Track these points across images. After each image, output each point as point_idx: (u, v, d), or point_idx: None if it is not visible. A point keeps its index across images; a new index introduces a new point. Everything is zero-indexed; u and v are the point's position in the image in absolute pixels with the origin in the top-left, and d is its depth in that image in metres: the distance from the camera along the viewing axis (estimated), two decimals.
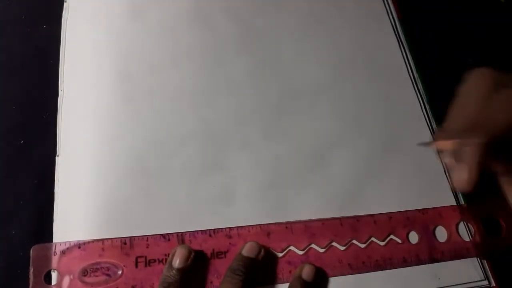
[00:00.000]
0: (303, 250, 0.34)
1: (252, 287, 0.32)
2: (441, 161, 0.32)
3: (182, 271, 0.31)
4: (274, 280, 0.33)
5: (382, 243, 0.35)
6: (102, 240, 0.33)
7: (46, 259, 0.31)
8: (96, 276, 0.31)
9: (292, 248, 0.34)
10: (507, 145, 0.25)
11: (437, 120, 0.41)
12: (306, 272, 0.33)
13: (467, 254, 0.35)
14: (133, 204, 0.35)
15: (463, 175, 0.26)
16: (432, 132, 0.40)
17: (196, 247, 0.33)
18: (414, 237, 0.36)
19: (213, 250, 0.33)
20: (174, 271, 0.31)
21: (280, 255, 0.34)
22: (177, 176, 0.36)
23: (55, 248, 0.32)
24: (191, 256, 0.32)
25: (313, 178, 0.37)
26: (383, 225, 0.36)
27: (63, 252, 0.32)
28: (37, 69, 0.40)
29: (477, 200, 0.37)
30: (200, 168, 0.37)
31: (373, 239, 0.35)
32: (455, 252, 0.35)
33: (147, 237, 0.33)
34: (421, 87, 0.42)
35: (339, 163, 0.38)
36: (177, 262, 0.31)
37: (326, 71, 0.42)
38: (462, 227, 0.37)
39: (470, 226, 0.37)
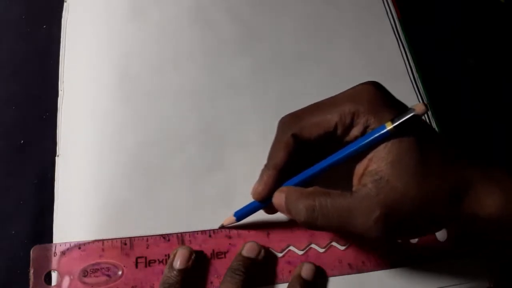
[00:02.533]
0: (303, 250, 0.34)
1: (252, 287, 0.32)
2: None
3: (183, 272, 0.31)
4: (274, 280, 0.33)
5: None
6: (102, 240, 0.33)
7: (46, 259, 0.31)
8: (96, 276, 0.31)
9: (292, 248, 0.34)
10: None
11: (437, 120, 0.41)
12: (306, 271, 0.33)
13: (467, 253, 0.35)
14: (133, 204, 0.35)
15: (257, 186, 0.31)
16: None
17: (196, 247, 0.33)
18: None
19: (213, 250, 0.33)
20: (175, 272, 0.31)
21: (280, 255, 0.34)
22: (177, 176, 0.36)
23: (55, 249, 0.32)
24: (192, 257, 0.32)
25: None
26: None
27: (63, 253, 0.32)
28: (37, 69, 0.40)
29: None
30: (200, 168, 0.37)
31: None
32: (455, 251, 0.35)
33: (147, 238, 0.33)
34: (421, 87, 0.42)
35: None
36: (178, 263, 0.31)
37: (326, 72, 0.42)
38: None
39: None
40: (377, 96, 0.28)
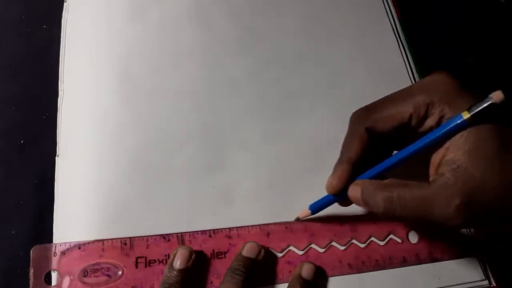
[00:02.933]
0: (302, 250, 0.34)
1: (252, 287, 0.32)
2: None
3: (183, 272, 0.31)
4: (274, 280, 0.33)
5: (382, 243, 0.35)
6: (102, 240, 0.33)
7: (46, 259, 0.31)
8: (96, 276, 0.31)
9: (291, 248, 0.34)
10: None
11: None
12: (306, 271, 0.33)
13: (467, 253, 0.35)
14: (133, 204, 0.35)
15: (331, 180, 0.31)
16: None
17: (196, 247, 0.33)
18: (414, 237, 0.36)
19: (213, 250, 0.33)
20: (175, 272, 0.31)
21: (280, 255, 0.34)
22: (177, 176, 0.36)
23: (55, 249, 0.32)
24: (192, 257, 0.32)
25: (312, 178, 0.37)
26: (383, 224, 0.36)
27: (63, 253, 0.32)
28: (37, 69, 0.40)
29: None
30: (200, 168, 0.37)
31: (373, 238, 0.35)
32: (455, 251, 0.35)
33: (147, 238, 0.33)
34: None
35: None
36: (178, 263, 0.31)
37: (326, 71, 0.42)
38: None
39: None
40: (451, 86, 0.28)
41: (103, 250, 0.32)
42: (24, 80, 0.40)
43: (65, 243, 0.32)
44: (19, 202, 0.35)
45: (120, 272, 0.32)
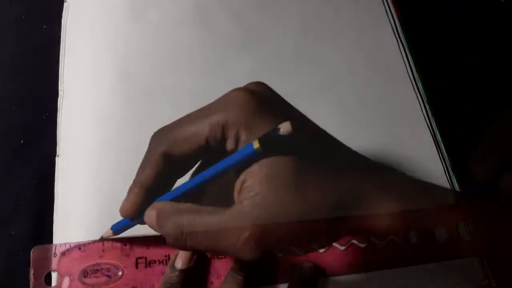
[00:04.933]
0: None
1: (253, 287, 0.32)
2: None
3: (184, 272, 0.31)
4: (274, 280, 0.33)
5: (382, 243, 0.35)
6: (102, 241, 0.33)
7: (46, 260, 0.31)
8: (96, 277, 0.31)
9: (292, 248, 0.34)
10: None
11: (437, 120, 0.41)
12: (306, 271, 0.33)
13: (467, 254, 0.35)
14: None
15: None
16: (432, 132, 0.40)
17: None
18: (414, 237, 0.36)
19: None
20: (176, 272, 0.31)
21: (280, 255, 0.34)
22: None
23: (55, 250, 0.32)
24: (194, 257, 0.32)
25: None
26: None
27: (63, 253, 0.32)
28: (37, 69, 0.40)
29: (477, 200, 0.37)
30: (199, 167, 0.37)
31: (373, 239, 0.35)
32: (455, 252, 0.35)
33: (147, 238, 0.33)
34: (421, 87, 0.42)
35: None
36: (180, 263, 0.31)
37: (326, 71, 0.42)
38: (462, 226, 0.37)
39: (470, 226, 0.37)
40: (249, 104, 0.25)
41: (103, 250, 0.32)
42: (24, 80, 0.40)
43: (65, 243, 0.32)
44: (19, 202, 0.35)
45: (120, 273, 0.32)
